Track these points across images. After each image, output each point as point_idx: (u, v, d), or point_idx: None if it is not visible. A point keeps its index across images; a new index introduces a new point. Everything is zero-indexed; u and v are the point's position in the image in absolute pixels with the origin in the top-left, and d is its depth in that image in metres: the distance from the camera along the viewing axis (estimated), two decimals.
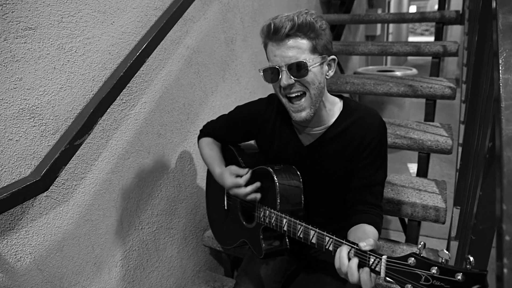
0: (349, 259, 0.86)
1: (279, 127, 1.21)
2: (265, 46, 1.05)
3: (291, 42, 0.98)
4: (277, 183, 1.13)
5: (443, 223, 1.56)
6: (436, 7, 3.68)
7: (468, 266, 0.67)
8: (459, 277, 0.68)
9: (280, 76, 1.01)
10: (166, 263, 1.62)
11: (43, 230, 1.10)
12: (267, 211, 1.15)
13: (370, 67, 4.77)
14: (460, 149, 1.67)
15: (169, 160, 1.57)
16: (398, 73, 4.10)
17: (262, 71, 1.05)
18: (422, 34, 21.37)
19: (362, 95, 3.78)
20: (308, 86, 1.01)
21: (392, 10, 8.05)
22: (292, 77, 1.00)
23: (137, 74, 1.30)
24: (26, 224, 1.06)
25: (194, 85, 1.66)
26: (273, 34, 0.98)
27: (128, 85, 1.26)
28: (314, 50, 0.99)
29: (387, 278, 0.81)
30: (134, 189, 1.41)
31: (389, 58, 8.16)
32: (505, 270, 0.41)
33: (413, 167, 3.90)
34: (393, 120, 2.15)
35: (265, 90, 2.26)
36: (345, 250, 0.87)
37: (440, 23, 2.74)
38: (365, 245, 0.84)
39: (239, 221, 1.32)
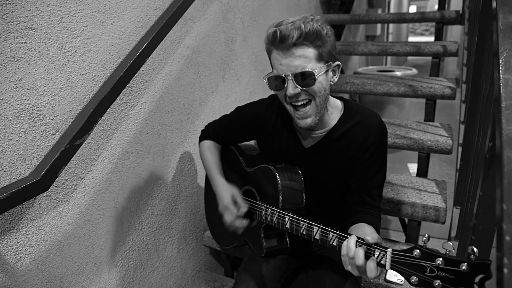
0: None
1: (279, 128, 1.21)
2: (269, 53, 1.03)
3: (298, 51, 0.96)
4: (280, 182, 1.13)
5: (443, 223, 1.56)
6: (436, 7, 3.68)
7: (472, 257, 0.68)
8: (464, 267, 0.69)
9: (286, 85, 0.99)
10: (166, 263, 1.62)
11: (43, 230, 1.10)
12: (269, 209, 1.16)
13: (370, 67, 4.77)
14: (460, 149, 1.67)
15: (169, 160, 1.57)
16: (398, 73, 4.10)
17: (266, 79, 1.04)
18: (422, 34, 21.37)
19: (362, 95, 3.78)
20: (314, 95, 1.01)
21: (392, 10, 8.05)
22: (298, 86, 0.98)
23: (137, 74, 1.30)
24: (26, 224, 1.06)
25: (194, 85, 1.66)
26: (280, 42, 0.96)
27: (128, 85, 1.26)
28: (320, 58, 0.98)
29: (387, 278, 0.82)
30: (134, 189, 1.41)
31: (389, 58, 8.16)
32: (505, 270, 0.41)
33: (413, 167, 3.90)
34: (393, 120, 2.15)
35: (265, 90, 2.26)
36: (353, 239, 0.88)
37: (440, 23, 2.74)
38: (371, 238, 0.85)
39: None
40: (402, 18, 2.89)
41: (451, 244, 0.73)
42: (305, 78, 0.97)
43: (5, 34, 0.95)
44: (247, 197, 1.28)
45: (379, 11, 5.30)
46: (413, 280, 0.77)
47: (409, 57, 11.40)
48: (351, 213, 1.11)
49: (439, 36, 2.79)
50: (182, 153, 1.65)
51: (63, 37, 1.09)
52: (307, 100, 1.02)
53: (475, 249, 0.68)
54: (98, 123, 1.17)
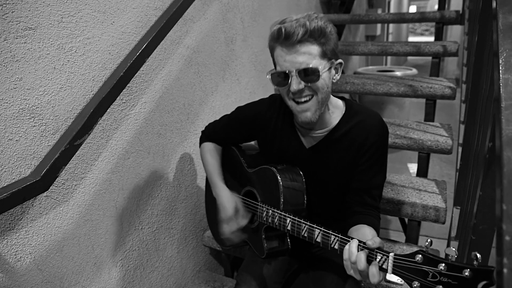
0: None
1: (280, 128, 1.21)
2: (272, 50, 1.04)
3: (302, 48, 0.97)
4: (281, 183, 1.13)
5: (443, 223, 1.56)
6: (436, 7, 3.68)
7: (475, 263, 0.68)
8: (467, 273, 0.68)
9: (289, 81, 1.00)
10: (166, 263, 1.62)
11: (43, 230, 1.10)
12: (270, 211, 1.15)
13: (370, 67, 4.77)
14: (460, 149, 1.67)
15: (169, 160, 1.57)
16: (398, 73, 4.10)
17: (270, 75, 1.04)
18: (422, 34, 21.37)
19: (362, 95, 3.78)
20: (318, 90, 1.01)
21: (392, 10, 8.05)
22: (302, 82, 0.99)
23: (137, 74, 1.30)
24: (26, 224, 1.06)
25: (194, 85, 1.66)
26: (284, 39, 0.97)
27: (128, 85, 1.26)
28: (323, 55, 0.99)
29: (386, 278, 0.82)
30: (134, 189, 1.41)
31: (389, 58, 8.15)
32: (505, 270, 0.41)
33: (413, 167, 3.90)
34: (393, 120, 2.15)
35: (265, 90, 2.26)
36: (355, 243, 0.88)
37: (440, 23, 2.74)
38: (372, 243, 0.85)
39: None
40: (402, 18, 2.89)
41: (453, 249, 0.72)
42: (309, 74, 0.98)
43: (5, 34, 0.95)
44: (248, 198, 1.28)
45: (379, 11, 5.30)
46: (415, 285, 0.76)
47: (409, 57, 11.40)
48: (351, 213, 1.11)
49: (439, 36, 2.78)
50: (182, 153, 1.65)
51: (63, 37, 1.09)
52: (310, 97, 1.03)
53: (478, 255, 0.67)
54: (98, 123, 1.17)
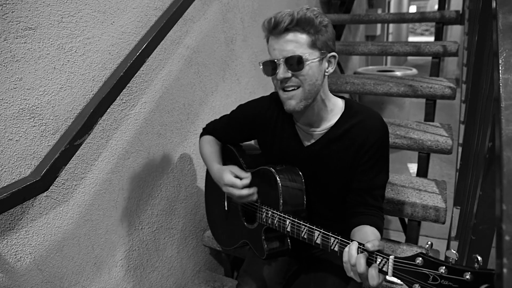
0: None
1: (280, 127, 1.21)
2: (267, 41, 1.06)
3: (289, 36, 0.99)
4: (280, 184, 1.13)
5: (443, 223, 1.56)
6: (436, 7, 3.68)
7: (476, 265, 0.67)
8: (468, 277, 0.68)
9: (277, 70, 1.02)
10: (166, 263, 1.62)
11: (43, 230, 1.10)
12: (270, 212, 1.15)
13: (370, 67, 4.77)
14: (460, 149, 1.67)
15: (169, 160, 1.57)
16: (398, 73, 4.10)
17: (261, 64, 1.06)
18: (422, 34, 21.37)
19: (362, 95, 3.77)
20: (304, 81, 1.02)
21: (392, 10, 8.05)
22: (289, 70, 1.00)
23: (137, 74, 1.30)
24: (26, 224, 1.06)
25: (194, 85, 1.66)
26: (273, 28, 0.99)
27: (128, 85, 1.26)
28: (313, 45, 1.00)
29: (387, 278, 0.81)
30: (134, 189, 1.41)
31: (389, 58, 8.15)
32: (504, 270, 0.41)
33: (413, 167, 3.90)
34: (393, 120, 2.15)
35: (265, 90, 2.26)
36: (354, 246, 0.88)
37: (440, 23, 2.74)
38: (371, 245, 0.84)
39: (240, 222, 1.32)
40: (402, 18, 2.89)
41: (454, 252, 0.71)
42: (295, 63, 0.99)
43: (5, 34, 0.95)
44: None
45: (379, 11, 5.30)
46: None
47: (409, 57, 11.40)
48: (353, 213, 1.10)
49: (439, 36, 2.78)
50: (182, 153, 1.65)
51: (63, 37, 1.09)
52: (296, 87, 1.04)
53: (479, 258, 0.66)
54: (98, 123, 1.17)
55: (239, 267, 1.41)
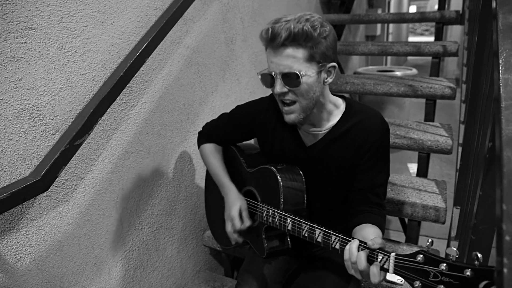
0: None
1: (281, 127, 1.21)
2: (265, 49, 1.05)
3: (286, 51, 0.97)
4: (281, 183, 1.13)
5: (443, 223, 1.56)
6: (436, 7, 3.68)
7: (476, 262, 0.68)
8: (468, 273, 0.69)
9: (275, 83, 1.02)
10: (166, 263, 1.62)
11: (43, 230, 1.10)
12: (270, 211, 1.15)
13: (370, 67, 4.77)
14: (460, 149, 1.67)
15: (169, 160, 1.57)
16: (398, 73, 4.10)
17: (260, 75, 1.06)
18: (422, 34, 21.36)
19: (362, 95, 3.78)
20: (301, 96, 1.02)
21: (392, 10, 8.05)
22: (285, 86, 1.00)
23: (137, 74, 1.30)
24: (26, 224, 1.06)
25: (194, 85, 1.66)
26: (270, 41, 0.97)
27: (128, 85, 1.26)
28: (311, 59, 0.98)
29: (387, 278, 0.82)
30: (134, 189, 1.41)
31: (389, 58, 8.15)
32: (505, 270, 0.41)
33: (413, 167, 3.90)
34: (393, 120, 2.15)
35: (265, 90, 2.25)
36: (355, 243, 0.88)
37: (440, 23, 2.74)
38: (373, 243, 0.85)
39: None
40: (402, 18, 2.89)
41: (454, 249, 0.72)
42: (291, 79, 0.99)
43: (5, 34, 0.95)
44: (248, 198, 1.28)
45: (379, 11, 5.30)
46: (416, 285, 0.76)
47: (409, 57, 11.40)
48: (354, 212, 1.10)
49: (439, 36, 2.78)
50: (182, 153, 1.65)
51: (63, 37, 1.09)
52: (293, 102, 1.04)
53: (479, 255, 0.67)
54: (98, 123, 1.17)
55: (239, 267, 1.41)
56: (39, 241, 1.09)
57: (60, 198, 1.14)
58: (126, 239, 1.41)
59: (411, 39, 16.48)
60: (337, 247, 0.96)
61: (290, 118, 1.07)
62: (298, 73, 0.97)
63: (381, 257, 0.84)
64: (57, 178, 1.06)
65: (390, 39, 8.58)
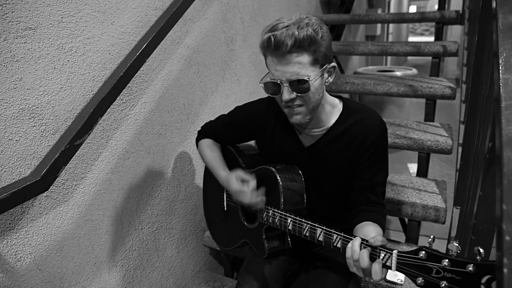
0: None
1: (279, 128, 1.21)
2: (265, 56, 1.03)
3: (292, 57, 0.96)
4: (280, 183, 1.13)
5: (443, 223, 1.56)
6: (436, 7, 3.68)
7: (478, 257, 0.68)
8: (470, 268, 0.69)
9: (281, 90, 1.00)
10: (166, 263, 1.62)
11: (43, 230, 1.10)
12: (271, 211, 1.15)
13: (370, 67, 4.77)
14: (460, 149, 1.67)
15: (169, 160, 1.57)
16: (398, 73, 4.10)
17: (263, 84, 1.04)
18: (422, 34, 21.37)
19: (362, 95, 3.77)
20: (309, 101, 1.02)
21: (392, 10, 8.05)
22: (293, 92, 1.00)
23: (137, 74, 1.30)
24: (26, 224, 1.06)
25: (194, 85, 1.66)
26: (274, 49, 0.96)
27: (128, 85, 1.26)
28: (315, 62, 0.98)
29: (387, 278, 0.82)
30: (134, 189, 1.41)
31: (389, 58, 8.15)
32: (505, 270, 0.41)
33: (413, 167, 3.90)
34: (393, 120, 2.15)
35: None
36: (358, 241, 0.88)
37: (440, 23, 2.74)
38: (374, 241, 0.85)
39: (240, 222, 1.32)
40: (402, 18, 2.89)
41: (456, 245, 0.72)
42: (300, 85, 0.98)
43: (5, 34, 0.95)
44: None
45: (379, 11, 5.30)
46: (419, 282, 0.77)
47: (409, 57, 11.40)
48: (355, 212, 1.11)
49: (439, 36, 2.78)
50: (182, 153, 1.65)
51: (63, 37, 1.09)
52: (300, 106, 1.04)
53: (481, 250, 0.67)
54: (98, 123, 1.17)
55: (239, 267, 1.41)
56: (39, 241, 1.09)
57: (60, 198, 1.14)
58: (126, 239, 1.41)
59: (411, 39, 16.48)
60: (338, 245, 0.96)
61: (296, 119, 1.06)
62: (306, 79, 0.97)
63: (383, 255, 0.84)
64: (57, 178, 1.06)
65: (390, 39, 8.58)
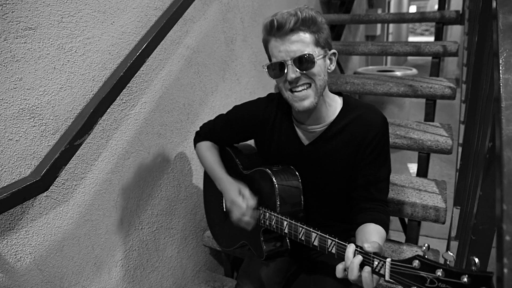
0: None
1: (278, 126, 1.20)
2: (267, 43, 1.04)
3: (295, 36, 0.99)
4: (276, 185, 1.12)
5: (443, 223, 1.56)
6: (436, 7, 3.68)
7: (473, 268, 0.66)
8: (465, 280, 0.67)
9: (285, 71, 1.01)
10: (166, 263, 1.62)
11: (43, 230, 1.10)
12: (267, 214, 1.15)
13: (370, 67, 4.77)
14: (460, 149, 1.67)
15: (169, 160, 1.57)
16: (398, 73, 4.10)
17: (266, 67, 1.05)
18: (422, 34, 21.36)
19: (362, 95, 3.77)
20: (314, 77, 1.02)
21: (392, 10, 8.05)
22: (298, 70, 1.00)
23: (137, 74, 1.30)
24: (26, 224, 1.06)
25: (194, 85, 1.66)
26: (277, 30, 0.99)
27: (128, 85, 1.26)
28: (317, 43, 1.01)
29: (387, 278, 0.81)
30: (134, 189, 1.41)
31: (389, 58, 8.15)
32: (505, 270, 0.41)
33: (413, 167, 3.90)
34: (393, 120, 2.14)
35: (265, 90, 2.26)
36: (352, 248, 0.88)
37: (440, 23, 2.74)
38: (368, 246, 0.84)
39: None
40: (402, 18, 2.89)
41: (451, 254, 0.71)
42: (304, 62, 0.99)
43: (5, 34, 0.95)
44: None
45: (379, 11, 5.30)
46: None
47: (409, 57, 11.40)
48: (359, 210, 1.10)
49: (439, 36, 2.78)
50: (182, 153, 1.65)
51: (63, 37, 1.09)
52: (307, 85, 1.03)
53: (477, 260, 0.66)
54: (98, 123, 1.17)
55: (239, 267, 1.41)
56: (39, 241, 1.09)
57: (60, 198, 1.14)
58: (126, 239, 1.41)
59: (411, 39, 16.48)
60: (333, 251, 0.95)
61: (303, 104, 1.04)
62: (311, 54, 0.99)
63: (377, 262, 0.83)
64: (57, 178, 1.06)
65: (390, 39, 8.58)
